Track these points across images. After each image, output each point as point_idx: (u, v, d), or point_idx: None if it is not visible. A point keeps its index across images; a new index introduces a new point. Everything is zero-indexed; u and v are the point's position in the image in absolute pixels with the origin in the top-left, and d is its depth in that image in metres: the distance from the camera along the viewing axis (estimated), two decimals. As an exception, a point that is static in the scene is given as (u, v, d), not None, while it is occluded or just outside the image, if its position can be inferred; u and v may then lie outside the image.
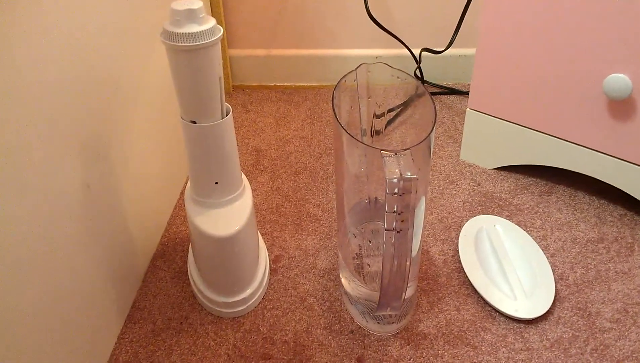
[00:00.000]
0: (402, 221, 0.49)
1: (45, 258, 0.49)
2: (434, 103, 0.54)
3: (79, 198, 0.54)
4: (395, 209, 0.49)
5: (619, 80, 0.66)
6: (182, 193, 0.84)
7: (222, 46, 1.01)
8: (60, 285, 0.51)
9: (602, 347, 0.61)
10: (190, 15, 0.49)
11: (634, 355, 0.60)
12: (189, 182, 0.63)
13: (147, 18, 0.69)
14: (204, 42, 0.50)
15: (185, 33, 0.49)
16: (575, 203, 0.79)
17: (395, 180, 0.47)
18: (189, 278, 0.69)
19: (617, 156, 0.72)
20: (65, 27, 0.51)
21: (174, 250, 0.74)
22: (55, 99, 0.49)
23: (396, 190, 0.47)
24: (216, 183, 0.60)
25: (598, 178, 0.76)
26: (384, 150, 0.48)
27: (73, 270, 0.54)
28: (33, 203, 0.47)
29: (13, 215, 0.44)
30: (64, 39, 0.51)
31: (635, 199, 0.74)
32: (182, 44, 0.49)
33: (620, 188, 0.74)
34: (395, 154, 0.48)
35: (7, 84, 0.43)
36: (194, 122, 0.55)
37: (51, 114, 0.49)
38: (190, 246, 0.70)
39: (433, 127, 0.51)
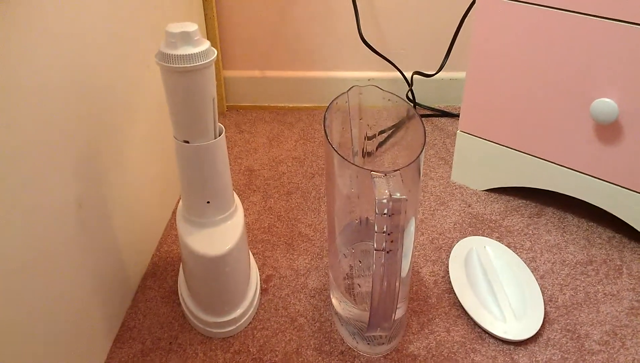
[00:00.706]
0: (392, 241, 0.50)
1: (34, 276, 0.49)
2: (423, 125, 0.54)
3: (70, 216, 0.54)
4: (384, 229, 0.49)
5: (605, 104, 0.67)
6: (174, 212, 0.84)
7: (216, 67, 1.02)
8: (49, 304, 0.51)
9: (591, 369, 0.61)
10: (185, 37, 0.50)
11: (622, 378, 0.60)
12: (180, 201, 0.63)
13: (142, 36, 0.70)
14: (198, 63, 0.50)
15: (180, 55, 0.50)
16: (564, 225, 0.80)
17: (384, 201, 0.48)
18: (179, 298, 0.69)
19: (605, 179, 0.73)
20: (63, 43, 0.52)
21: (164, 270, 0.74)
22: (49, 118, 0.50)
23: (385, 211, 0.48)
24: (208, 202, 0.60)
25: (587, 201, 0.77)
26: (373, 171, 0.49)
27: (62, 288, 0.53)
28: (22, 220, 0.47)
29: (1, 233, 0.44)
30: (59, 59, 0.51)
31: (624, 221, 0.75)
32: (177, 66, 0.50)
33: (608, 210, 0.75)
34: (385, 175, 0.49)
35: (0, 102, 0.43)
36: (187, 142, 0.56)
37: (43, 132, 0.49)
38: (181, 265, 0.70)
39: (422, 149, 0.52)
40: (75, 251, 0.55)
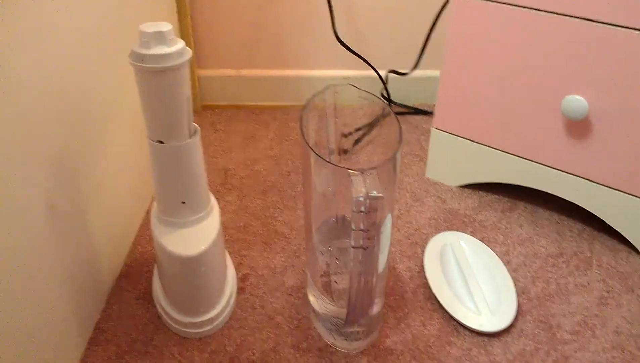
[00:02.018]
0: (369, 238, 0.50)
1: (4, 279, 0.48)
2: (399, 124, 0.55)
3: (40, 215, 0.53)
4: (361, 227, 0.50)
5: (575, 101, 0.69)
6: (148, 212, 0.83)
7: (191, 66, 1.01)
8: (20, 305, 0.50)
9: (562, 358, 0.63)
10: (159, 37, 0.50)
11: (593, 367, 0.62)
12: (155, 201, 0.62)
13: (117, 34, 0.69)
14: (172, 64, 0.50)
15: (154, 55, 0.49)
16: (536, 219, 0.82)
17: (361, 198, 0.48)
18: (154, 299, 0.69)
19: (576, 174, 0.75)
20: (41, 40, 0.51)
21: (139, 271, 0.73)
22: (21, 115, 0.49)
23: (362, 208, 0.48)
24: (183, 202, 0.59)
25: (558, 195, 0.79)
26: (350, 169, 0.49)
27: (33, 289, 0.52)
28: (-6, 223, 0.46)
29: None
30: (35, 54, 0.50)
31: (593, 214, 0.77)
32: (150, 66, 0.50)
33: (578, 204, 0.77)
34: (362, 173, 0.49)
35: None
36: (161, 142, 0.55)
37: (14, 129, 0.48)
38: (155, 266, 0.69)
39: (398, 147, 0.53)
40: (46, 252, 0.54)
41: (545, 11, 0.68)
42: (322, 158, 0.52)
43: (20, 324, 0.50)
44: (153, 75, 0.50)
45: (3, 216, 0.47)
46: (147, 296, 0.70)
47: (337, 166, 0.52)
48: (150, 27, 0.50)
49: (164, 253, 0.60)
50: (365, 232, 0.50)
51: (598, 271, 0.73)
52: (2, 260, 0.47)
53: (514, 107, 0.76)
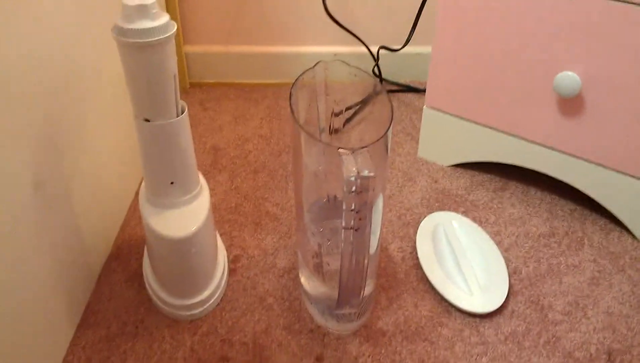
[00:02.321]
0: (360, 219, 0.49)
1: (-11, 264, 0.47)
2: (390, 102, 0.54)
3: (27, 196, 0.52)
4: (353, 207, 0.49)
5: (568, 78, 0.68)
6: (137, 193, 0.82)
7: (178, 42, 0.99)
8: (7, 287, 0.49)
9: (554, 339, 0.63)
10: (143, 10, 0.48)
11: (584, 346, 0.62)
12: (143, 182, 0.61)
13: (104, 7, 0.67)
14: (156, 38, 0.48)
15: (137, 29, 0.47)
16: (527, 199, 0.81)
17: (352, 178, 0.47)
18: (144, 281, 0.68)
19: (568, 152, 0.75)
20: (20, 14, 0.49)
21: (128, 252, 0.72)
22: (3, 91, 0.47)
23: (354, 188, 0.47)
24: (172, 183, 0.58)
25: (550, 174, 0.78)
26: (341, 148, 0.48)
27: (22, 272, 0.51)
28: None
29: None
30: (17, 28, 0.48)
31: (585, 194, 0.77)
32: (134, 40, 0.48)
33: (570, 183, 0.77)
34: (353, 152, 0.48)
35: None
36: (148, 121, 0.54)
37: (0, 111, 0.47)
38: (145, 247, 0.68)
39: (389, 125, 0.51)
40: (33, 234, 0.53)
41: (541, -14, 0.66)
42: (312, 136, 0.51)
43: (9, 307, 0.49)
44: (137, 50, 0.49)
45: (-16, 198, 0.46)
46: (138, 278, 0.69)
47: (328, 145, 0.51)
48: (133, 0, 0.48)
49: (153, 234, 0.59)
50: (357, 213, 0.49)
51: (590, 251, 0.73)
52: (-16, 242, 0.46)
53: (506, 85, 0.75)
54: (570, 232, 0.76)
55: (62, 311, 0.60)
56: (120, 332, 0.63)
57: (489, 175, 0.86)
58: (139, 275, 0.69)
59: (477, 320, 0.65)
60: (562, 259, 0.72)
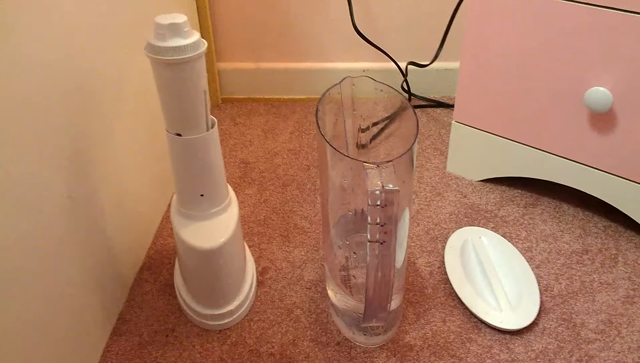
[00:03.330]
0: (385, 232, 0.50)
1: (29, 271, 0.49)
2: (416, 116, 0.54)
3: (62, 209, 0.54)
4: (378, 221, 0.49)
5: (599, 93, 0.67)
6: (170, 205, 0.84)
7: (210, 59, 1.02)
8: (45, 298, 0.51)
9: (586, 357, 0.61)
10: (174, 29, 0.50)
11: (617, 366, 0.60)
12: (174, 194, 0.63)
13: (136, 24, 0.70)
14: (187, 55, 0.50)
15: (169, 47, 0.49)
16: (559, 215, 0.80)
17: (377, 192, 0.47)
18: (175, 291, 0.69)
19: (601, 168, 0.73)
20: (49, 35, 0.51)
21: (160, 262, 0.74)
22: (38, 108, 0.50)
23: (378, 202, 0.48)
24: (202, 195, 0.60)
25: (582, 190, 0.77)
26: (366, 162, 0.49)
27: (57, 282, 0.53)
28: (13, 216, 0.47)
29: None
30: (47, 48, 0.51)
31: (619, 210, 0.75)
32: (166, 58, 0.50)
33: (603, 199, 0.75)
34: (378, 166, 0.49)
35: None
36: (179, 135, 0.56)
37: (32, 124, 0.49)
38: (176, 258, 0.70)
39: (415, 140, 0.52)
40: (68, 246, 0.55)
41: (567, 0, 0.66)
42: (337, 151, 0.52)
43: (44, 315, 0.51)
44: (168, 67, 0.51)
45: (24, 213, 0.48)
46: (169, 288, 0.70)
47: (353, 159, 0.51)
48: (165, 19, 0.50)
49: (183, 245, 0.61)
50: (382, 226, 0.49)
51: (624, 269, 0.71)
52: (24, 253, 0.48)
53: (536, 100, 0.74)
54: (604, 249, 0.74)
55: (96, 320, 0.62)
56: (151, 340, 0.64)
57: (519, 191, 0.85)
58: (170, 285, 0.71)
59: (507, 336, 0.64)
60: (595, 276, 0.70)
